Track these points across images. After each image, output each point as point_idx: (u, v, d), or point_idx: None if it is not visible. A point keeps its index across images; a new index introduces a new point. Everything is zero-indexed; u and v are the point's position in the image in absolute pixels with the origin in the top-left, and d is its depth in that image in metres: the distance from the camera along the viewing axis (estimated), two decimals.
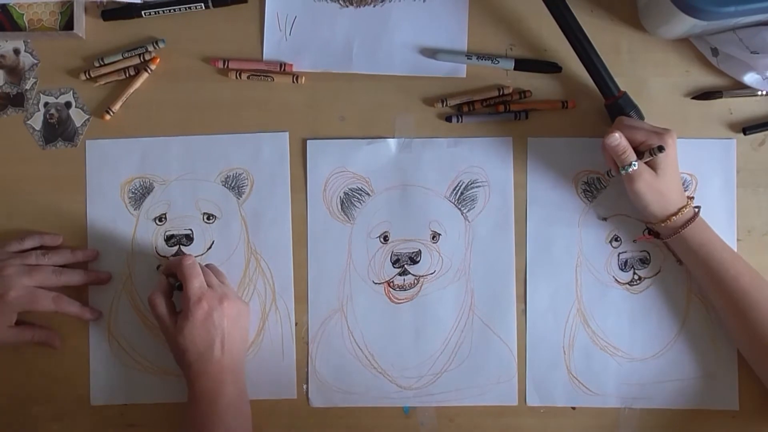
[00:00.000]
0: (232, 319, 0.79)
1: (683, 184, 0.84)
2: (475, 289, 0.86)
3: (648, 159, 0.78)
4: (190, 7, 0.87)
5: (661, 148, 0.76)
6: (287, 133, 0.88)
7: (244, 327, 0.83)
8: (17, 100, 0.88)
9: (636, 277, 0.86)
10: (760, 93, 0.86)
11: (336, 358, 0.86)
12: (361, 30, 0.88)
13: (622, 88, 0.84)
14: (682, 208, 0.79)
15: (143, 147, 0.88)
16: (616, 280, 0.86)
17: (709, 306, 0.85)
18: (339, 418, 0.86)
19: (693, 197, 0.81)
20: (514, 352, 0.86)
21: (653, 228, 0.83)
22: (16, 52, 0.89)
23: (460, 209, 0.87)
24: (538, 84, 0.87)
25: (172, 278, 0.82)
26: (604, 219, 0.86)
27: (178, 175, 0.88)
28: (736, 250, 0.85)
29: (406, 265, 0.87)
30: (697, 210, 0.81)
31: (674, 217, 0.79)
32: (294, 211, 0.87)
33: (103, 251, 0.87)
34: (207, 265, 0.84)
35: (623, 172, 0.78)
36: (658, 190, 0.78)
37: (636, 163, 0.77)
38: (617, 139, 0.78)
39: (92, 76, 0.87)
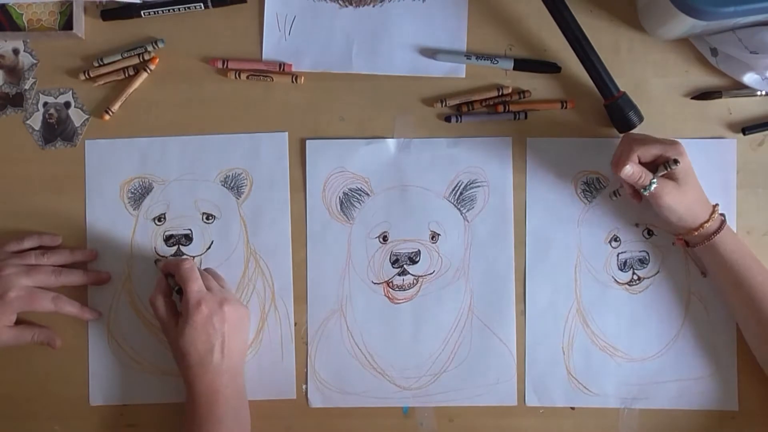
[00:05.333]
0: (233, 323, 0.79)
1: None
2: (475, 289, 0.86)
3: (663, 173, 0.77)
4: (189, 7, 0.87)
5: (676, 161, 0.76)
6: (286, 133, 0.88)
7: (245, 330, 0.83)
8: (16, 100, 0.88)
9: (635, 277, 0.86)
10: (759, 93, 0.86)
11: (335, 359, 0.86)
12: (360, 30, 0.88)
13: (622, 89, 0.84)
14: (713, 214, 0.79)
15: (142, 147, 0.88)
16: (615, 280, 0.86)
17: (709, 306, 0.85)
18: (338, 418, 0.86)
19: (718, 204, 0.80)
20: (514, 353, 0.86)
21: (684, 238, 0.81)
22: (15, 52, 0.88)
23: (459, 209, 0.87)
24: (537, 84, 0.87)
25: (171, 279, 0.82)
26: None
27: (178, 175, 0.88)
28: None
29: (405, 266, 0.87)
30: (723, 216, 0.81)
31: (707, 224, 0.78)
32: (293, 211, 0.87)
33: (102, 251, 0.87)
34: (206, 269, 0.84)
35: (645, 192, 0.77)
36: (685, 200, 0.78)
37: (655, 181, 0.76)
38: (629, 170, 0.76)
39: (91, 76, 0.87)
